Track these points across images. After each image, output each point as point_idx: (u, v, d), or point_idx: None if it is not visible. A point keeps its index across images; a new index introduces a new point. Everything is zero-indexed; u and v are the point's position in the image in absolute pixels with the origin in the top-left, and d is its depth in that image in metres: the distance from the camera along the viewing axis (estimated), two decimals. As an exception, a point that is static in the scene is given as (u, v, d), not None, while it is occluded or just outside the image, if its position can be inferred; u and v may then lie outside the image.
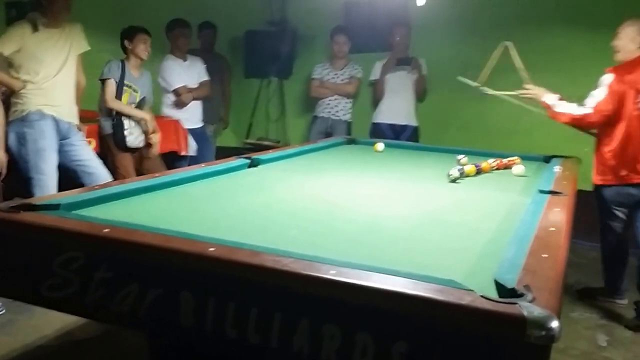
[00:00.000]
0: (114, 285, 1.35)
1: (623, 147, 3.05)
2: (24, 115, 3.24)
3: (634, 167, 3.06)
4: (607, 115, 3.03)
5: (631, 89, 3.00)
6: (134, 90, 3.93)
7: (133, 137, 3.89)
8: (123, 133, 3.85)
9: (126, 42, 3.87)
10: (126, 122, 3.85)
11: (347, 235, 1.66)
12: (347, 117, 4.89)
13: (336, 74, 4.83)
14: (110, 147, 3.87)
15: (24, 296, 1.55)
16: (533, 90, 3.27)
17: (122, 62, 3.87)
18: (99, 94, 3.92)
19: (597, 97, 3.04)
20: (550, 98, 3.21)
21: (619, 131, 3.05)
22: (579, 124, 3.15)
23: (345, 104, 4.87)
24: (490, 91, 3.41)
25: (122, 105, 3.83)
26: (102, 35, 4.34)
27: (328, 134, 4.71)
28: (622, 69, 3.06)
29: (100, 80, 3.83)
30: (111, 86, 3.79)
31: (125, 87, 3.86)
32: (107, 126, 3.87)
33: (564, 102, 3.17)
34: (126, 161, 3.88)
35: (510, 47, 3.25)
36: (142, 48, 3.86)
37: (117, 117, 3.85)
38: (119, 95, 3.84)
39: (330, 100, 4.84)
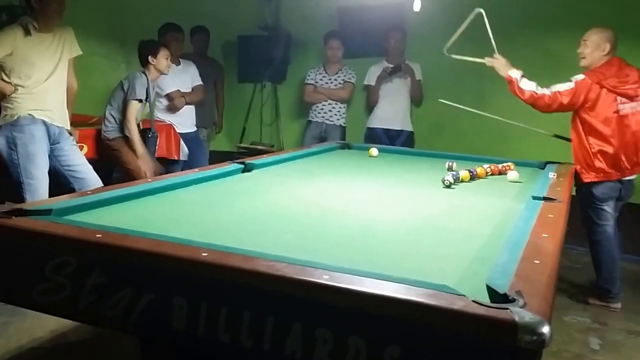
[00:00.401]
0: (107, 290, 1.34)
1: (610, 146, 3.22)
2: (14, 119, 3.22)
3: (619, 164, 3.23)
4: (562, 104, 3.21)
5: (609, 93, 3.18)
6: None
7: (156, 147, 3.98)
8: (156, 146, 3.95)
9: (150, 58, 3.90)
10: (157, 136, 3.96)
11: (341, 240, 1.66)
12: (341, 122, 4.90)
13: (330, 79, 4.84)
14: (125, 150, 3.86)
15: (18, 300, 1.54)
16: (500, 60, 3.34)
17: (144, 75, 3.89)
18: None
19: (561, 87, 3.22)
20: (514, 73, 3.30)
21: (604, 131, 3.22)
22: (536, 102, 3.27)
23: (340, 108, 4.88)
24: (458, 56, 3.43)
25: (136, 134, 3.84)
26: (94, 40, 4.35)
27: (322, 139, 4.72)
28: (597, 72, 3.22)
29: (133, 99, 3.82)
30: (135, 107, 3.82)
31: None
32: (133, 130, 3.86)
33: (525, 79, 3.28)
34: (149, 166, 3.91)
35: (483, 15, 3.31)
36: (165, 64, 3.95)
37: (153, 132, 3.96)
38: (151, 111, 3.94)
39: (324, 105, 4.85)
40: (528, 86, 3.26)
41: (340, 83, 4.82)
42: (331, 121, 4.86)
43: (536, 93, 3.23)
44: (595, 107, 3.21)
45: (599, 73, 3.21)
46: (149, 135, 3.96)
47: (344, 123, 4.92)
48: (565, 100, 3.20)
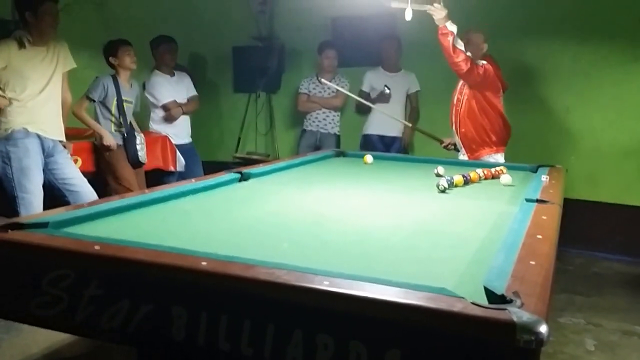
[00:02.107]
0: (105, 302, 1.34)
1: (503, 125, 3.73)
2: (8, 133, 3.22)
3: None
4: (480, 76, 3.51)
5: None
6: (129, 102, 3.98)
7: (143, 152, 3.93)
8: (135, 147, 3.88)
9: (111, 59, 3.90)
10: (138, 137, 3.89)
11: (339, 247, 1.67)
12: (336, 130, 4.91)
13: (323, 88, 4.86)
14: (115, 160, 3.86)
15: (13, 314, 1.54)
16: (440, 10, 3.31)
17: (114, 77, 3.90)
18: (93, 111, 3.94)
19: (487, 66, 3.55)
20: (452, 26, 3.35)
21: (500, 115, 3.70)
22: (461, 64, 3.40)
23: (334, 117, 4.90)
24: (400, 4, 3.17)
25: (87, 117, 3.88)
26: (88, 53, 4.36)
27: (317, 147, 4.73)
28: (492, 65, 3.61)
29: (86, 96, 3.86)
30: (85, 103, 3.87)
31: (124, 102, 3.90)
32: (117, 139, 3.88)
33: (459, 40, 3.40)
34: (130, 174, 3.90)
35: None
36: (129, 60, 3.92)
37: (129, 132, 3.87)
38: (120, 111, 3.86)
39: (318, 113, 4.87)
40: (462, 47, 3.39)
41: (333, 92, 4.84)
42: (325, 129, 4.87)
43: (468, 57, 3.42)
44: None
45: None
46: (125, 135, 3.93)
47: (338, 131, 4.93)
48: (488, 74, 3.52)
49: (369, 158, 3.52)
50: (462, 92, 3.71)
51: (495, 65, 3.65)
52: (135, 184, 3.86)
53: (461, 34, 3.43)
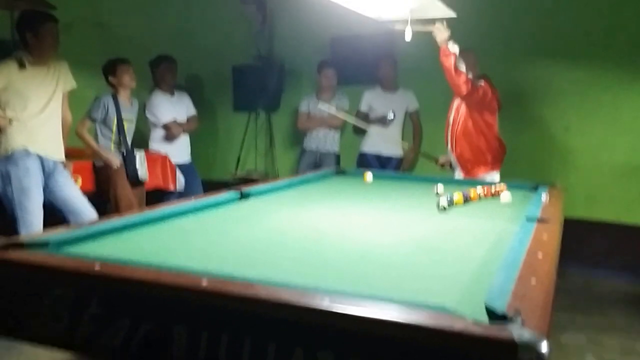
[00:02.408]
0: (106, 321, 1.34)
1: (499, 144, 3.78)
2: (8, 153, 3.24)
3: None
4: (480, 97, 3.57)
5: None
6: (130, 122, 3.99)
7: (143, 170, 3.94)
8: (135, 165, 3.89)
9: (111, 78, 3.93)
10: (137, 155, 3.91)
11: (340, 265, 1.67)
12: (336, 148, 4.94)
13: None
14: (114, 180, 3.86)
15: (14, 333, 1.53)
16: (443, 31, 3.34)
17: (114, 96, 3.92)
18: (94, 130, 3.96)
19: (486, 86, 3.59)
20: (454, 47, 3.38)
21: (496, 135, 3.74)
22: (463, 86, 3.46)
23: (333, 136, 4.92)
24: (400, 25, 3.18)
25: (90, 140, 3.91)
26: (88, 72, 4.40)
27: (317, 166, 4.74)
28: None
29: (88, 116, 3.89)
30: (87, 124, 3.92)
31: (123, 121, 3.92)
32: (117, 158, 3.90)
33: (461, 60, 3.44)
34: (129, 194, 3.90)
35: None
36: (128, 78, 3.95)
37: (128, 150, 3.88)
38: (120, 130, 3.89)
39: (318, 132, 4.89)
40: (464, 68, 3.44)
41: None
42: (325, 149, 4.89)
43: (469, 78, 3.47)
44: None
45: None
46: (124, 154, 3.96)
47: (338, 150, 4.95)
48: (487, 93, 3.57)
49: (368, 176, 3.53)
50: (458, 111, 3.73)
51: (492, 85, 3.69)
52: (134, 204, 3.86)
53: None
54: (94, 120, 3.89)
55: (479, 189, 2.87)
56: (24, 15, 3.39)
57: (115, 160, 3.86)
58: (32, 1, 4.49)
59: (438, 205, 2.54)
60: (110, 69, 3.95)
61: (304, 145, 4.99)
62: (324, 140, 4.89)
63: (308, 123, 4.91)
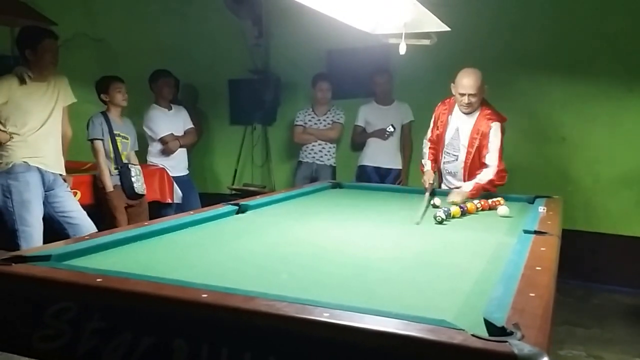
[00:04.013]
0: (107, 335, 1.34)
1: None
2: (9, 167, 3.25)
3: None
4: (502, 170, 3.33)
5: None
6: (124, 138, 3.99)
7: (139, 184, 3.94)
8: (130, 180, 3.89)
9: (103, 96, 3.95)
10: (133, 170, 3.91)
11: (338, 278, 1.68)
12: (332, 161, 4.95)
13: (319, 120, 4.91)
14: (110, 202, 3.87)
15: (16, 347, 1.53)
16: (461, 191, 3.25)
17: (104, 114, 3.94)
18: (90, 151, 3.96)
19: (495, 154, 3.33)
20: (468, 186, 3.31)
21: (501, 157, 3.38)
22: (499, 182, 3.33)
23: (330, 149, 4.94)
24: (394, 39, 3.05)
25: (103, 163, 3.88)
26: (87, 87, 4.41)
27: (313, 179, 4.76)
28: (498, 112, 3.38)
29: (89, 140, 3.88)
30: (98, 146, 3.87)
31: (116, 137, 3.92)
32: (115, 179, 3.91)
33: (475, 180, 3.31)
34: (124, 218, 3.89)
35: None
36: (120, 97, 3.96)
37: (123, 166, 3.89)
38: (114, 146, 3.89)
39: (314, 145, 4.91)
40: (487, 177, 3.30)
41: (329, 123, 4.89)
42: (322, 161, 4.91)
43: (494, 176, 3.30)
44: None
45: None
46: (120, 169, 3.95)
47: (334, 163, 4.97)
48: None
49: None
50: (472, 145, 3.45)
51: (500, 114, 3.46)
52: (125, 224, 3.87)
53: (456, 71, 3.46)
54: (101, 140, 3.89)
55: (476, 202, 2.88)
56: (24, 31, 3.42)
57: (109, 186, 3.86)
58: (32, 17, 4.53)
59: (435, 218, 2.55)
60: (103, 87, 3.96)
61: (300, 158, 5.01)
62: (320, 152, 4.91)
63: (304, 136, 4.93)
